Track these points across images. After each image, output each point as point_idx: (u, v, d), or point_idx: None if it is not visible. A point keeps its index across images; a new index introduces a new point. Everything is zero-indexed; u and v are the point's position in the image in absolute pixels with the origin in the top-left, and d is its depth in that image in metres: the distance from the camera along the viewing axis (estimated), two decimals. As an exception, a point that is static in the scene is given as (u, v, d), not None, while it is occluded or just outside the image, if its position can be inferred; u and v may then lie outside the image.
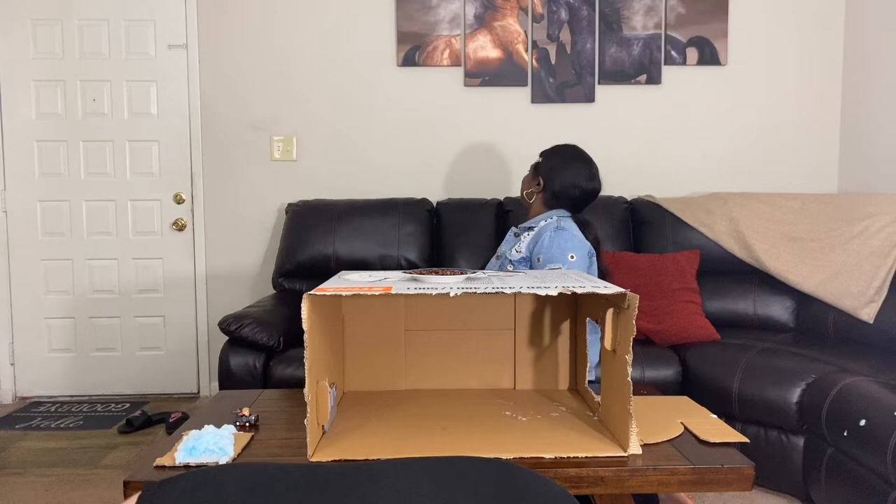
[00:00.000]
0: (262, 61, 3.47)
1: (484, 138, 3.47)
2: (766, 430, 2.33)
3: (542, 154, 2.23)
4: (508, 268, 2.10)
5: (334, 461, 1.19)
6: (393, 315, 1.64)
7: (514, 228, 2.24)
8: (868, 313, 2.65)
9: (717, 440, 1.31)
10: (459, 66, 3.42)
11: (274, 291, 3.18)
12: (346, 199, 3.28)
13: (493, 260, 2.26)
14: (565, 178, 2.15)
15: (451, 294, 1.23)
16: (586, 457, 1.22)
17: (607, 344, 1.31)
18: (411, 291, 1.25)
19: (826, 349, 2.51)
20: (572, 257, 1.99)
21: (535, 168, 2.21)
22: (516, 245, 2.13)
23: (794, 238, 2.94)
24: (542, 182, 2.16)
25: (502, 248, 2.22)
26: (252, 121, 3.48)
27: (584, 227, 2.14)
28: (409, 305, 1.64)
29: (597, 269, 2.10)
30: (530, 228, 2.14)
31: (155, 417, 3.18)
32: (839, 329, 2.75)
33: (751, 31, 3.42)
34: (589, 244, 2.08)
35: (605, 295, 1.30)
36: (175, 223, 3.52)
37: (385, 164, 3.48)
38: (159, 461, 1.23)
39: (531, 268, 2.04)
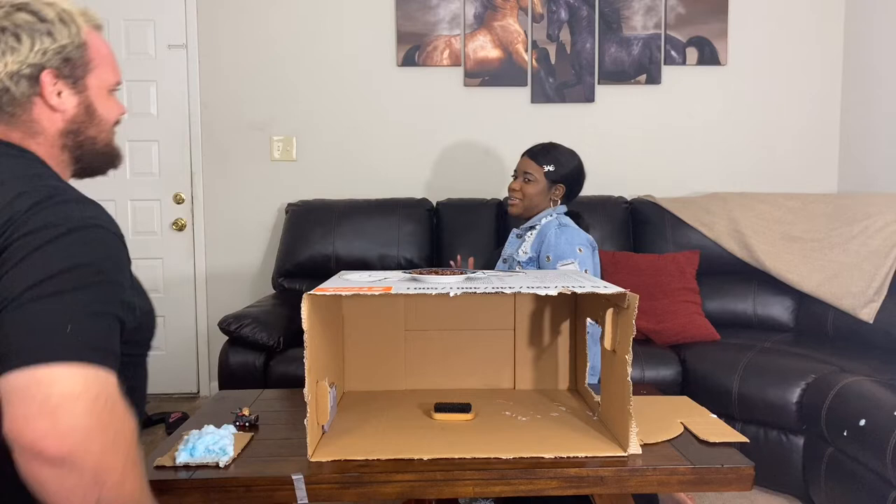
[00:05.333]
0: (261, 61, 3.46)
1: (484, 138, 3.47)
2: (766, 430, 2.33)
3: (549, 161, 2.17)
4: (517, 269, 2.11)
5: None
6: (393, 315, 1.64)
7: (515, 230, 2.25)
8: (868, 313, 2.65)
9: (717, 440, 1.31)
10: (459, 65, 3.42)
11: (274, 291, 3.18)
12: (345, 199, 3.28)
13: (499, 263, 2.26)
14: (579, 174, 2.21)
15: (451, 294, 1.23)
16: (586, 457, 1.22)
17: (607, 344, 1.31)
18: (411, 291, 1.25)
19: (826, 349, 2.51)
20: (580, 250, 2.03)
21: (549, 175, 2.16)
22: (521, 246, 2.14)
23: (793, 238, 2.94)
24: (563, 188, 2.17)
25: (507, 251, 2.23)
26: (252, 121, 3.48)
27: (578, 218, 2.20)
28: (409, 305, 1.64)
29: (598, 260, 2.13)
30: (531, 228, 2.16)
31: (155, 417, 3.18)
32: (839, 329, 2.75)
33: (751, 31, 3.42)
34: (590, 236, 2.13)
35: (605, 295, 1.30)
36: (175, 223, 3.52)
37: (385, 164, 3.48)
38: (159, 461, 1.23)
39: (540, 267, 2.05)
